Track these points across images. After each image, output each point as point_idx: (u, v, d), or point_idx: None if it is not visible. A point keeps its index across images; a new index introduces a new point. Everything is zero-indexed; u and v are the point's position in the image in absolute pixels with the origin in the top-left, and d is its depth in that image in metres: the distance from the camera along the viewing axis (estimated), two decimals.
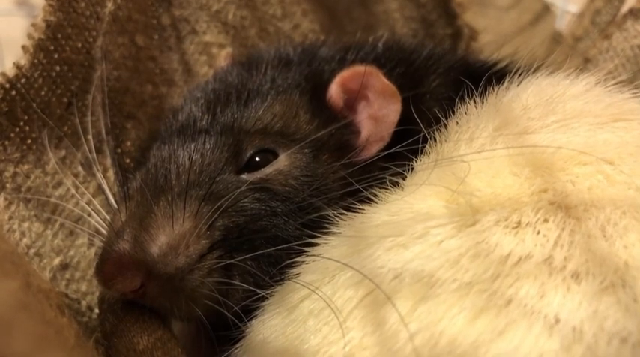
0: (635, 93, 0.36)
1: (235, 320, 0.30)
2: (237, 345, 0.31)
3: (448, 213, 0.26)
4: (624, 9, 0.58)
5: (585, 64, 0.57)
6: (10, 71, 0.37)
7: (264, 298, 0.30)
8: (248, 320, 0.31)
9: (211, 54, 0.49)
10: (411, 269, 0.25)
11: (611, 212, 0.26)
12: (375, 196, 0.30)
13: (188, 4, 0.47)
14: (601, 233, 0.25)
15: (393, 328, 0.24)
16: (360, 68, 0.36)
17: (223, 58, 0.46)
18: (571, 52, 0.62)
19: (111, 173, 0.39)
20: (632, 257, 0.24)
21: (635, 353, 0.22)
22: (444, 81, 0.37)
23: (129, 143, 0.42)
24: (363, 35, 0.57)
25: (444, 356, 0.23)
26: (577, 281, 0.24)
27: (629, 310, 0.23)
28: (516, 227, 0.26)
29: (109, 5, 0.41)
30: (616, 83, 0.37)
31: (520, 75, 0.37)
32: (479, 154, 0.30)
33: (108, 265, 0.30)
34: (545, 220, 0.26)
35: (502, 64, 0.39)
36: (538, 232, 0.25)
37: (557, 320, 0.23)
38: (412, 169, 0.31)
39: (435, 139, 0.32)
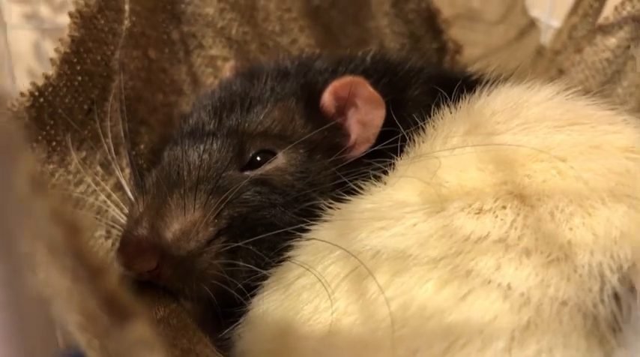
0: (592, 100, 0.41)
1: (239, 297, 0.35)
2: (240, 319, 0.35)
3: (421, 201, 0.31)
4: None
5: (560, 75, 0.61)
6: (39, 81, 0.42)
7: (264, 277, 0.35)
8: (250, 297, 0.35)
9: (216, 66, 0.53)
10: (389, 248, 0.29)
11: (559, 200, 0.30)
12: (361, 188, 0.34)
13: (195, 21, 0.51)
14: (550, 217, 0.29)
15: (373, 297, 0.29)
16: (349, 79, 0.40)
17: (227, 69, 0.50)
18: (550, 65, 0.66)
19: (127, 172, 0.43)
20: (574, 237, 0.28)
21: (572, 313, 0.26)
22: (424, 90, 0.41)
23: (142, 146, 0.46)
24: (355, 49, 0.61)
25: (414, 318, 0.27)
26: (528, 256, 0.28)
27: (570, 280, 0.27)
28: (478, 213, 0.30)
29: (126, 22, 0.45)
30: (574, 92, 0.42)
31: (491, 85, 0.42)
32: (450, 152, 0.35)
33: (128, 248, 0.34)
34: (504, 207, 0.30)
35: (475, 76, 0.44)
36: (496, 216, 0.29)
37: (510, 288, 0.27)
38: (393, 165, 0.35)
39: (414, 140, 0.37)
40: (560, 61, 0.63)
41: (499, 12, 0.79)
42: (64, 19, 0.44)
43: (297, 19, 0.59)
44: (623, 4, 0.56)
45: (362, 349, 0.27)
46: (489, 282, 0.27)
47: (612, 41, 0.57)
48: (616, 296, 0.26)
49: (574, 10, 0.62)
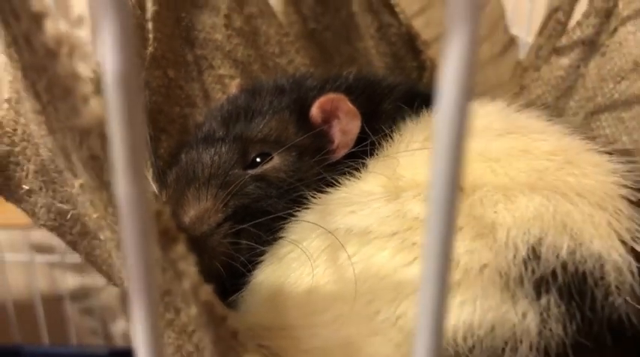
0: (531, 113, 0.49)
1: (243, 269, 0.43)
2: (243, 287, 0.43)
3: (382, 191, 0.39)
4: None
5: (521, 90, 0.70)
6: None
7: (262, 253, 0.43)
8: (251, 269, 0.43)
9: (224, 84, 0.60)
10: (357, 226, 0.38)
11: (489, 191, 0.38)
12: (338, 182, 0.43)
13: (207, 45, 0.58)
14: (480, 203, 0.37)
15: (344, 263, 0.37)
16: (333, 96, 0.48)
17: (234, 86, 0.58)
18: (519, 81, 0.73)
19: (150, 171, 0.52)
20: (497, 218, 0.36)
21: (490, 274, 0.34)
22: (395, 104, 0.49)
23: (162, 150, 0.54)
24: (346, 66, 0.69)
25: (372, 278, 0.35)
26: (460, 231, 0.36)
27: (491, 249, 0.35)
28: (425, 199, 0.38)
29: (150, 48, 0.54)
30: (518, 105, 0.50)
31: None
32: (410, 154, 0.43)
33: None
34: None
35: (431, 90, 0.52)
36: None
37: None
38: (365, 164, 0.44)
39: (383, 145, 0.45)
40: (524, 78, 0.71)
41: (484, 30, 0.82)
42: (82, 34, 0.51)
43: (294, 42, 0.65)
44: (574, 29, 0.64)
45: (333, 301, 0.35)
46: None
47: (565, 61, 0.64)
48: (524, 261, 0.35)
49: (540, 32, 0.69)
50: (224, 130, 0.48)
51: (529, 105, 0.59)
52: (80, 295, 1.42)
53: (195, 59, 0.59)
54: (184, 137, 0.55)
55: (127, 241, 0.17)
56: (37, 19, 0.19)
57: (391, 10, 0.66)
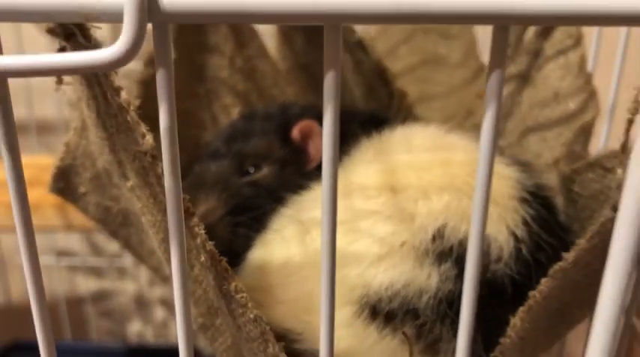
0: (459, 134, 0.63)
1: (240, 251, 0.57)
2: (240, 266, 0.57)
3: (339, 192, 0.54)
4: None
5: (469, 115, 0.84)
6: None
7: (254, 239, 0.54)
8: (246, 251, 0.58)
9: (228, 111, 0.71)
10: (319, 217, 0.52)
11: (412, 191, 0.51)
12: (310, 186, 0.55)
13: (214, 81, 0.70)
14: (406, 200, 0.51)
15: (309, 242, 0.51)
16: (308, 122, 0.62)
17: (235, 113, 0.70)
18: (467, 106, 0.87)
19: None
20: (416, 210, 0.45)
21: (407, 249, 0.47)
22: (356, 127, 0.64)
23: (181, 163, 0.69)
24: None
25: None
26: (389, 219, 0.49)
27: (410, 231, 0.49)
28: (368, 198, 0.52)
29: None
30: (450, 128, 0.65)
31: (398, 123, 0.65)
32: (364, 165, 0.58)
33: None
34: (381, 194, 0.53)
35: (388, 116, 0.67)
36: (377, 199, 0.52)
37: (378, 236, 0.50)
38: None
39: (344, 159, 0.60)
40: (473, 103, 0.85)
41: (459, 57, 0.90)
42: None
43: (285, 76, 0.75)
44: (511, 65, 0.78)
45: (300, 268, 0.49)
46: (368, 234, 0.51)
47: (503, 91, 0.79)
48: (432, 240, 0.49)
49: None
50: (226, 147, 0.61)
51: (476, 126, 0.74)
52: (99, 297, 1.52)
53: (206, 92, 0.71)
54: (196, 153, 0.66)
55: (169, 213, 0.32)
56: (117, 90, 0.35)
57: (364, 49, 0.80)
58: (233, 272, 0.39)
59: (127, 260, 1.55)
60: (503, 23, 0.25)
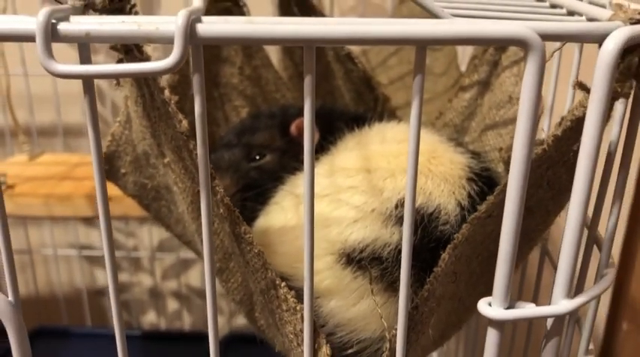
0: (427, 130, 0.77)
1: (248, 221, 0.71)
2: None
3: (325, 173, 0.67)
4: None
5: (440, 115, 0.98)
6: None
7: (259, 210, 0.64)
8: (253, 220, 0.71)
9: (238, 112, 0.80)
10: None
11: (382, 172, 0.63)
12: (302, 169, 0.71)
13: (227, 86, 0.79)
14: (377, 178, 0.63)
15: (301, 210, 0.66)
16: (302, 119, 0.78)
17: (244, 113, 0.80)
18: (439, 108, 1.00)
19: None
20: (385, 186, 0.60)
21: (376, 214, 0.60)
22: (342, 124, 0.76)
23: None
24: (326, 98, 0.97)
25: (317, 217, 0.64)
26: (364, 193, 0.60)
27: (378, 200, 0.61)
28: (349, 176, 0.66)
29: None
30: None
31: (375, 121, 0.80)
32: (346, 152, 0.72)
33: None
34: (358, 174, 0.67)
35: (370, 115, 0.81)
36: (355, 177, 0.65)
37: (354, 204, 0.64)
38: (320, 160, 0.73)
39: (332, 149, 0.74)
40: (444, 106, 0.98)
41: (443, 67, 0.96)
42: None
43: (286, 82, 0.85)
44: (473, 73, 0.91)
45: (293, 229, 0.62)
46: (347, 203, 0.65)
47: (468, 95, 0.88)
48: (395, 207, 0.63)
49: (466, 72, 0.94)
50: (237, 139, 0.70)
51: (445, 124, 0.88)
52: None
53: (220, 96, 0.81)
54: (212, 145, 0.77)
55: (200, 172, 0.46)
56: (162, 89, 0.49)
57: (352, 60, 0.95)
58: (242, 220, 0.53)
59: (143, 254, 1.69)
60: (423, 44, 0.39)
